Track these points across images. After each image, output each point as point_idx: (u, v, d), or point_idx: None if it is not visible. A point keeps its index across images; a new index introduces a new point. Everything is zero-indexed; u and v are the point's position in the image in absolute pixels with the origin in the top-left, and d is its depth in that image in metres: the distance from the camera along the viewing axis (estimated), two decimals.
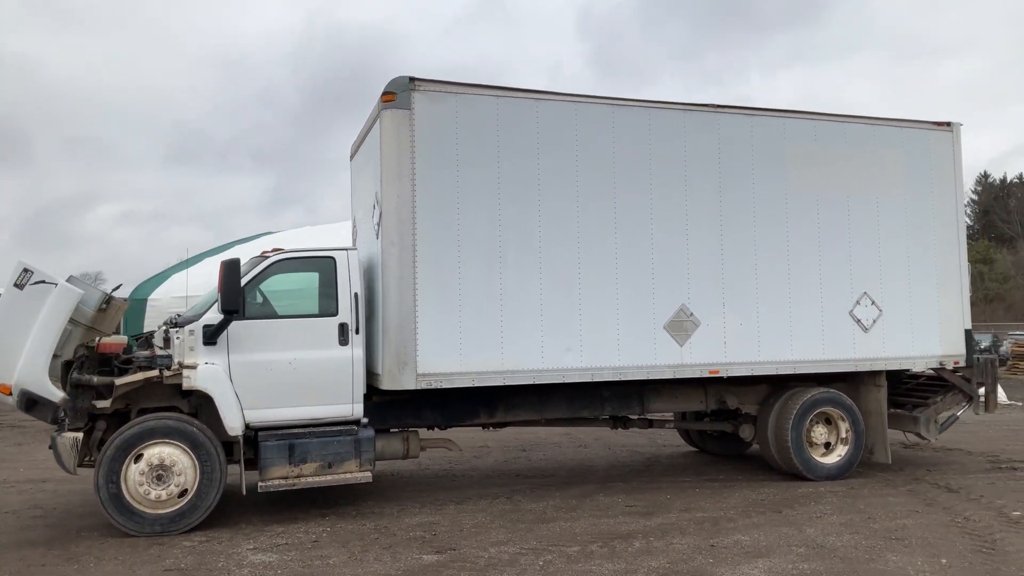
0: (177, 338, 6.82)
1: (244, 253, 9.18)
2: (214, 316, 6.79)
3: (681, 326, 7.98)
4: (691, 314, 8.02)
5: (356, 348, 7.18)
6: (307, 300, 7.41)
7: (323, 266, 7.33)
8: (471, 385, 7.36)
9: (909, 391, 9.53)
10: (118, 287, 8.29)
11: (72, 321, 6.89)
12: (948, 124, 9.18)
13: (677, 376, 8.01)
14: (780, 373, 8.35)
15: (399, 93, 7.25)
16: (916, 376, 9.59)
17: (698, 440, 10.46)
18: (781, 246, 8.37)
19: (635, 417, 8.92)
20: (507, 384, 7.48)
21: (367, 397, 7.48)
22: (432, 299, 7.22)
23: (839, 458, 8.57)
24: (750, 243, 8.26)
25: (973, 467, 9.21)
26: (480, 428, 8.63)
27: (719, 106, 8.30)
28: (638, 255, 7.88)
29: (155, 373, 6.72)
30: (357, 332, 7.20)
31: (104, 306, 7.45)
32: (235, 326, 6.91)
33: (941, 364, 8.93)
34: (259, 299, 7.24)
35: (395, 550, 5.94)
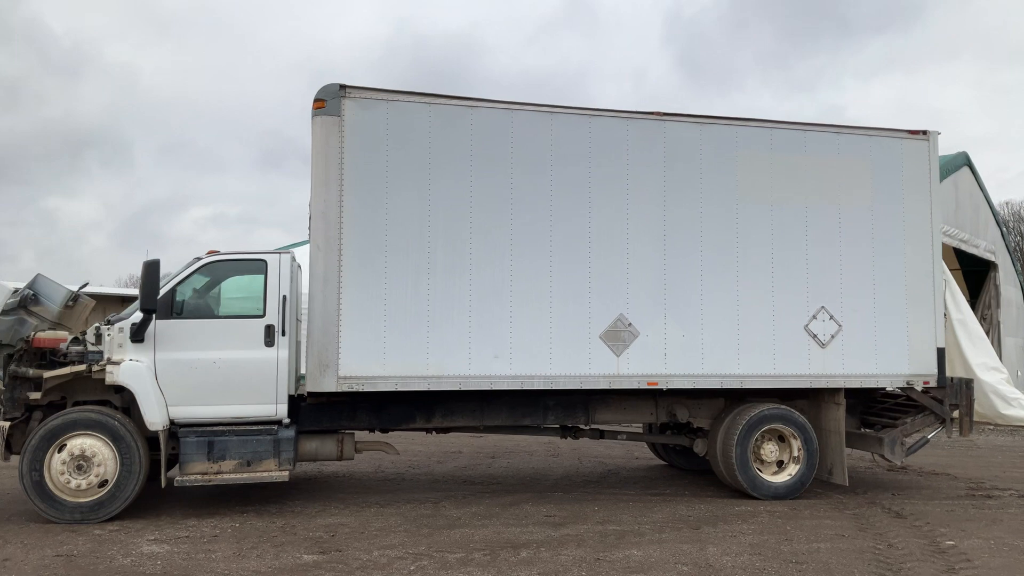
0: (108, 335, 7.11)
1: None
2: (140, 315, 7.07)
3: (618, 336, 7.86)
4: (629, 324, 7.88)
5: (282, 350, 7.34)
6: (241, 302, 7.61)
7: (255, 269, 7.52)
8: (394, 389, 7.42)
9: (882, 411, 9.13)
10: (84, 285, 8.68)
11: (32, 316, 7.29)
12: (924, 133, 8.78)
13: (613, 387, 7.89)
14: (725, 387, 8.12)
15: (329, 100, 7.40)
16: (893, 396, 9.17)
17: (664, 454, 10.26)
18: (730, 257, 8.15)
19: (586, 427, 8.81)
20: (431, 389, 7.51)
21: (303, 399, 7.68)
22: (356, 303, 7.32)
23: (789, 477, 8.27)
24: (696, 253, 8.07)
25: (946, 492, 8.74)
26: (431, 433, 8.68)
27: (665, 114, 8.15)
28: (575, 263, 7.80)
29: (83, 368, 7.01)
30: (283, 334, 7.36)
31: (71, 303, 7.83)
32: (164, 325, 7.17)
33: (909, 384, 8.52)
34: (194, 299, 7.45)
35: (283, 549, 6.04)
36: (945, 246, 18.77)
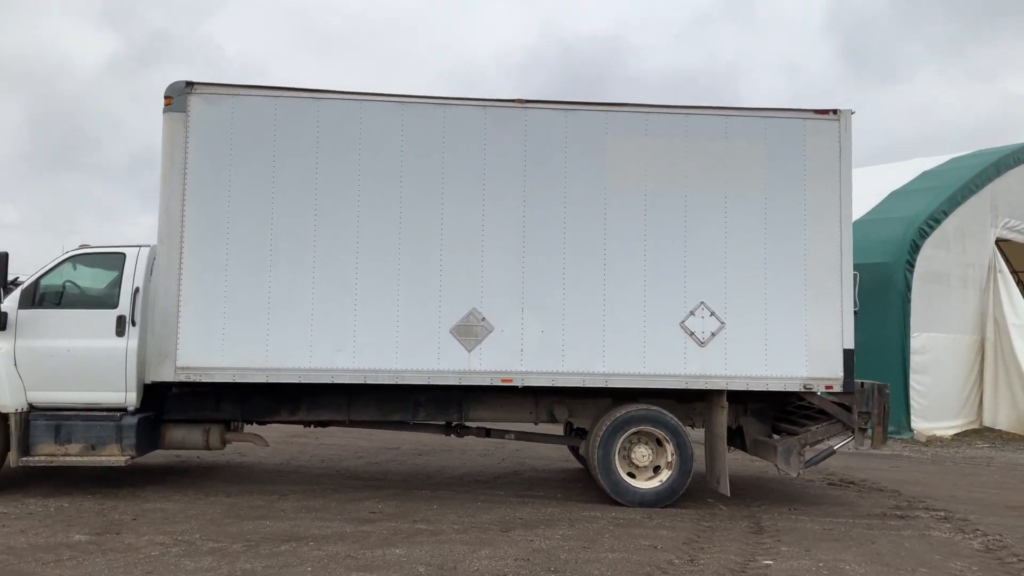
0: None
1: None
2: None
3: (471, 331, 7.61)
4: (483, 319, 7.62)
5: (131, 340, 7.59)
6: (99, 294, 7.93)
7: (115, 262, 7.82)
8: (231, 380, 7.50)
9: (792, 416, 8.36)
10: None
11: None
12: (834, 112, 7.98)
13: (463, 383, 7.64)
14: (587, 386, 7.68)
15: (176, 97, 7.58)
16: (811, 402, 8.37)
17: (578, 458, 9.80)
18: (597, 249, 7.71)
19: (473, 426, 8.57)
20: (270, 381, 7.54)
21: (169, 388, 7.91)
22: (196, 294, 7.45)
23: (659, 484, 7.72)
24: (559, 245, 7.70)
25: (857, 510, 7.88)
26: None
27: (527, 101, 7.82)
28: (425, 255, 7.62)
29: None
30: (134, 324, 7.61)
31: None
32: (26, 314, 7.60)
33: (806, 388, 7.76)
34: (57, 289, 7.81)
35: (68, 529, 6.26)
36: (1013, 243, 17.15)
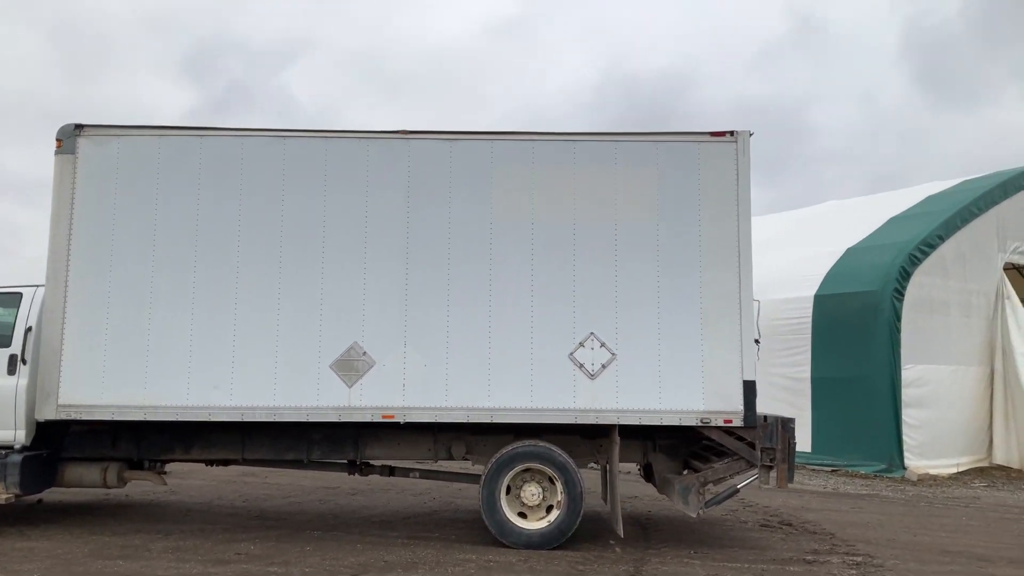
0: None
1: None
2: None
3: (351, 365, 7.45)
4: (364, 353, 7.46)
5: (22, 378, 7.68)
6: None
7: (12, 301, 7.96)
8: (111, 418, 7.48)
9: (705, 453, 7.90)
10: None
11: None
12: (731, 134, 7.64)
13: (343, 419, 7.46)
14: (472, 421, 7.42)
15: (65, 139, 7.73)
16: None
17: None
18: (483, 281, 7.50)
19: (377, 464, 8.38)
20: (148, 420, 7.48)
21: (68, 426, 7.97)
22: (79, 333, 7.50)
23: (547, 524, 7.36)
24: (443, 278, 7.51)
25: (760, 553, 7.35)
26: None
27: (411, 132, 7.72)
28: (306, 290, 7.52)
29: None
30: (24, 363, 7.71)
31: None
32: None
33: (703, 422, 7.34)
34: None
35: None
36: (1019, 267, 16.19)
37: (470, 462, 8.13)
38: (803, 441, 14.38)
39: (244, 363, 7.46)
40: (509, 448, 7.47)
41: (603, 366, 7.38)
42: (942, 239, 14.24)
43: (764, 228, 19.92)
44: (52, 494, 9.35)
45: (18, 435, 7.64)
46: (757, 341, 7.57)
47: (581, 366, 7.38)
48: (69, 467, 8.02)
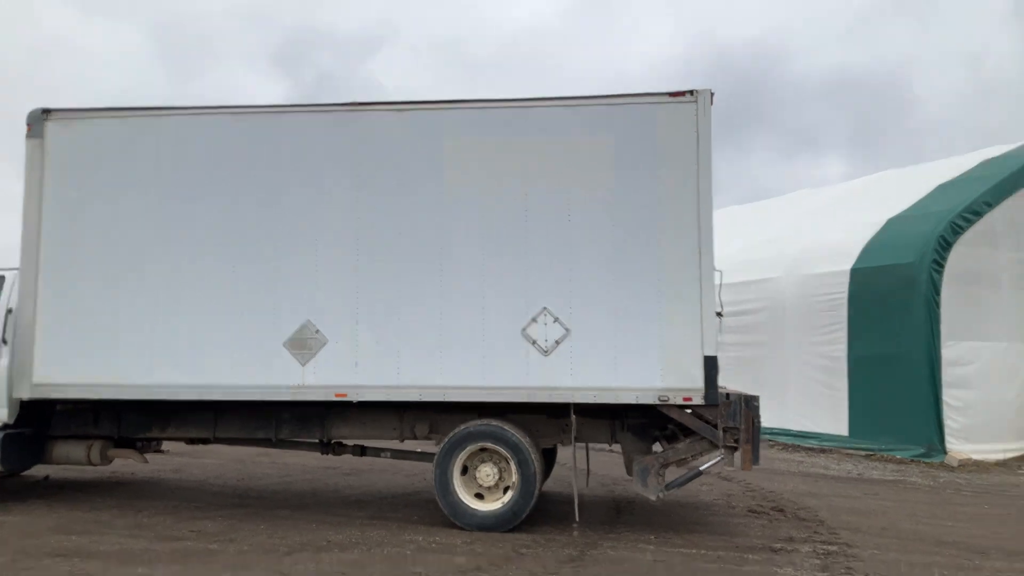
0: None
1: None
2: None
3: (304, 343, 7.42)
4: (317, 331, 7.41)
5: (3, 358, 7.97)
6: None
7: None
8: (80, 396, 7.70)
9: (677, 434, 7.54)
10: None
11: None
12: (691, 93, 7.21)
13: (297, 398, 7.44)
14: (425, 400, 7.28)
15: (34, 124, 7.93)
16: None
17: None
18: (433, 254, 7.33)
19: (350, 443, 8.36)
20: (116, 398, 7.67)
21: (54, 405, 8.25)
22: (51, 314, 7.72)
23: (501, 506, 7.16)
24: (393, 252, 7.38)
25: (730, 539, 6.96)
26: None
27: (360, 104, 7.59)
28: (259, 267, 7.52)
29: None
30: (5, 343, 7.99)
31: None
32: None
33: (662, 400, 6.99)
34: None
35: None
36: None
37: (434, 442, 7.98)
38: (839, 424, 13.73)
39: (203, 342, 7.53)
40: (462, 427, 7.30)
41: (556, 342, 7.11)
42: (990, 206, 13.20)
43: (805, 201, 19.01)
44: (65, 471, 9.74)
45: (2, 413, 7.93)
46: (720, 314, 7.15)
47: (534, 342, 7.14)
48: (56, 445, 8.29)
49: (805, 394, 14.38)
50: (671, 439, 7.57)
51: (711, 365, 6.95)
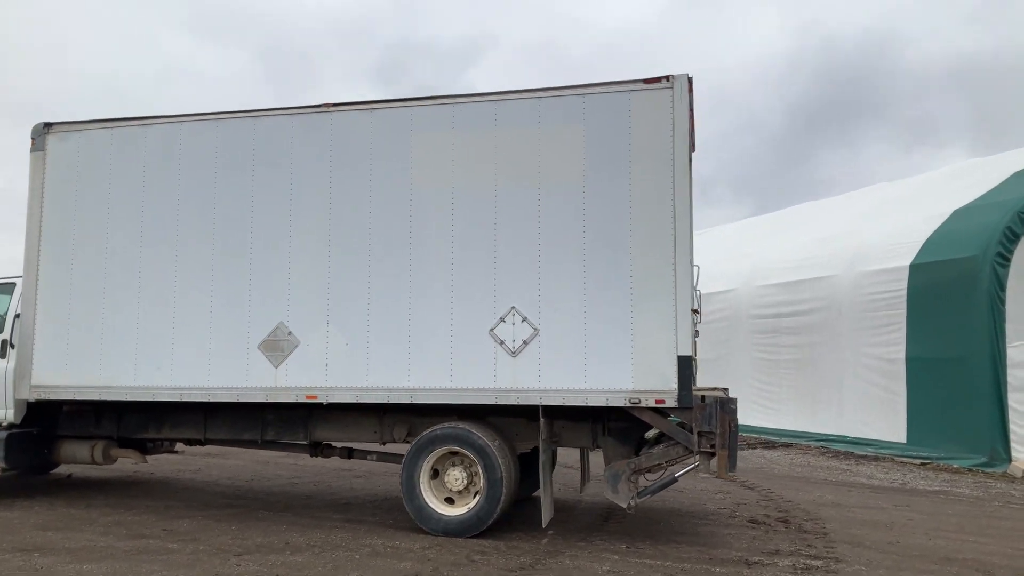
0: None
1: None
2: None
3: (277, 345, 7.42)
4: (289, 333, 7.39)
5: (10, 361, 8.32)
6: None
7: (7, 290, 8.64)
8: (72, 398, 7.94)
9: (661, 439, 7.13)
10: None
11: None
12: (666, 79, 6.82)
13: (270, 400, 7.44)
14: (392, 402, 7.14)
15: (37, 138, 8.27)
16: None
17: None
18: (402, 254, 7.20)
19: (338, 445, 8.33)
20: (103, 399, 7.88)
21: (61, 406, 8.57)
22: (48, 319, 8.02)
23: (466, 511, 6.93)
24: (364, 252, 7.29)
25: (710, 551, 6.49)
26: None
27: (333, 105, 7.54)
28: (236, 270, 7.58)
29: None
30: (12, 347, 8.34)
31: None
32: None
33: (632, 402, 6.61)
34: None
35: None
36: None
37: (399, 440, 7.82)
38: (897, 431, 12.81)
39: (182, 345, 7.64)
40: (428, 430, 7.12)
41: (525, 342, 6.85)
42: None
43: (874, 195, 17.91)
44: (89, 470, 10.12)
45: (8, 413, 8.27)
46: (696, 311, 6.71)
47: (502, 343, 6.89)
48: (63, 445, 8.61)
49: (862, 398, 13.48)
50: (655, 444, 7.16)
51: (685, 366, 6.53)
